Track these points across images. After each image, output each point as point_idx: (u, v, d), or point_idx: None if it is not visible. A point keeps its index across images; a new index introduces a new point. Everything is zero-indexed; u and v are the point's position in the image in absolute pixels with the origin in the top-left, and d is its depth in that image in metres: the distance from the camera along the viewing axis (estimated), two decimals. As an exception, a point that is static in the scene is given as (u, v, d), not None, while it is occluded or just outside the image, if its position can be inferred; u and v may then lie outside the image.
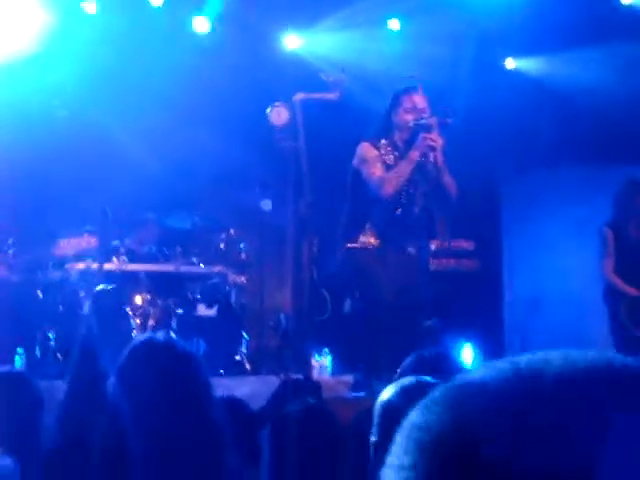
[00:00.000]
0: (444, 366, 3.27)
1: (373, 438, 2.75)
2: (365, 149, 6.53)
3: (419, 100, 6.51)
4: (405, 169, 6.45)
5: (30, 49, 7.44)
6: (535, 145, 8.70)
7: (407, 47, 8.44)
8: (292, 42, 8.65)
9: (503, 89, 8.65)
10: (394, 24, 8.71)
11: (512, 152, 8.71)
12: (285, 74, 8.10)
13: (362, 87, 7.57)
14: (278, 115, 6.51)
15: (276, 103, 6.57)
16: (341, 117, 7.49)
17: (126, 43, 7.90)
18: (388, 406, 2.85)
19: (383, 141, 6.55)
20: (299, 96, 6.48)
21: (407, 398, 2.83)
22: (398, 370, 3.39)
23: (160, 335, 3.04)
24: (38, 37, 7.46)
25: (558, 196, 8.72)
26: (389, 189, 6.42)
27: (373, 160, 6.48)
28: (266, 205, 7.56)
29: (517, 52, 8.96)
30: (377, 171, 6.44)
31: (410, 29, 8.65)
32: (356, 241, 6.49)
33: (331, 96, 6.55)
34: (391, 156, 6.53)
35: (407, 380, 2.97)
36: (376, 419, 2.87)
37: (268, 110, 6.51)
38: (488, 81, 8.68)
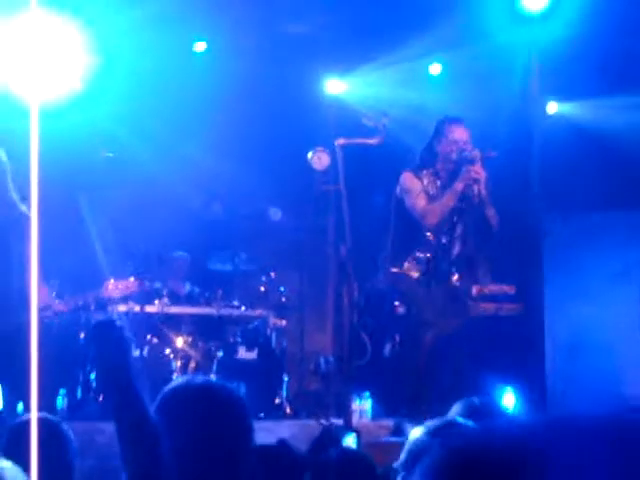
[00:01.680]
0: (492, 414, 3.26)
1: (400, 474, 2.75)
2: (408, 179, 6.59)
3: (462, 132, 6.56)
4: (449, 200, 6.49)
5: (72, 91, 7.54)
6: (580, 189, 8.66)
7: (448, 91, 8.46)
8: (334, 87, 8.70)
9: (549, 132, 8.63)
10: (435, 69, 8.75)
11: (556, 196, 8.68)
12: (326, 118, 8.15)
13: (403, 132, 7.59)
14: (319, 160, 6.55)
15: (318, 148, 6.61)
16: (382, 162, 7.52)
17: (168, 85, 7.98)
18: (416, 444, 2.85)
19: (425, 171, 6.59)
20: (340, 141, 6.52)
21: (435, 437, 2.82)
22: (448, 415, 3.38)
23: (199, 378, 3.02)
24: (81, 79, 7.56)
25: (602, 242, 8.66)
26: (433, 219, 6.46)
27: (416, 190, 6.53)
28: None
29: (561, 96, 8.95)
30: (420, 201, 6.50)
31: (451, 73, 8.68)
32: (401, 267, 6.53)
33: (373, 141, 6.58)
34: (434, 186, 6.57)
35: (438, 421, 2.97)
36: (404, 456, 2.86)
37: (309, 155, 6.55)
38: (531, 125, 8.66)
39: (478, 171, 6.47)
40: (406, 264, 6.55)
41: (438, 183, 6.59)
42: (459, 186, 6.48)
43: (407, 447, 2.92)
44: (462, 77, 8.48)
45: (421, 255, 6.56)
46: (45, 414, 3.91)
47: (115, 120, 7.73)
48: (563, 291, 8.84)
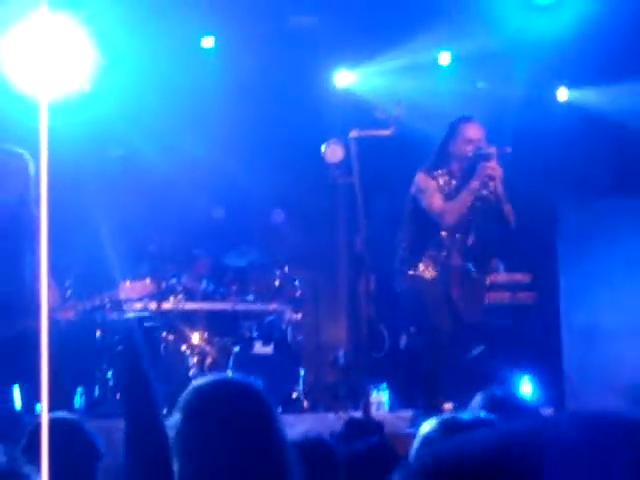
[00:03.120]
0: (513, 405, 3.24)
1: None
2: (423, 179, 6.57)
3: (477, 130, 6.54)
4: (465, 199, 6.48)
5: (80, 88, 7.53)
6: (594, 177, 8.63)
7: (458, 81, 8.43)
8: (344, 78, 8.68)
9: (560, 120, 8.60)
10: (444, 58, 8.72)
11: (570, 184, 8.65)
12: (337, 111, 8.13)
13: (415, 122, 7.57)
14: (333, 152, 6.53)
15: (331, 140, 6.59)
16: (396, 153, 7.50)
17: (174, 80, 7.97)
18: (425, 439, 2.83)
19: (440, 171, 6.58)
20: (354, 133, 6.51)
21: (444, 433, 2.80)
22: (469, 407, 3.37)
23: (236, 376, 3.00)
24: (89, 75, 7.54)
25: (616, 228, 8.62)
26: (450, 219, 6.45)
27: (432, 190, 6.52)
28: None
29: (571, 83, 8.92)
30: (436, 201, 6.48)
31: (461, 62, 8.65)
32: (416, 269, 6.52)
33: (386, 132, 6.56)
34: (449, 186, 6.56)
35: (446, 415, 2.94)
36: (413, 452, 2.84)
37: (323, 147, 6.54)
38: (543, 112, 8.64)
39: (494, 168, 6.45)
40: (421, 265, 6.54)
41: (453, 183, 6.57)
42: (475, 184, 6.46)
43: (416, 442, 2.90)
44: (472, 67, 8.46)
45: (436, 254, 6.54)
46: (64, 414, 3.90)
47: (123, 118, 7.72)
48: (578, 278, 8.81)
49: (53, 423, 3.86)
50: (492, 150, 6.48)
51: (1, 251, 5.92)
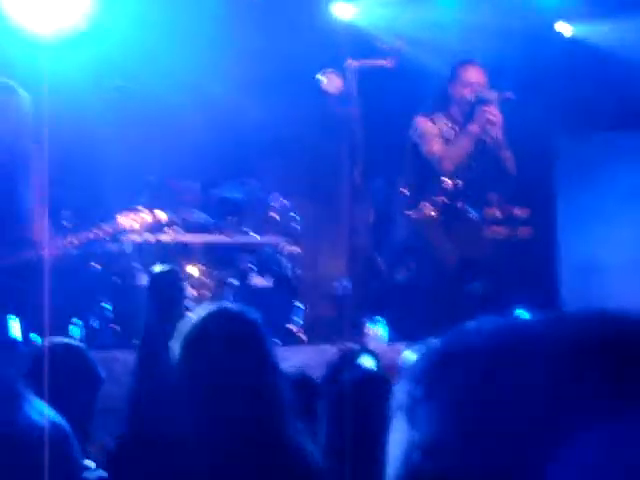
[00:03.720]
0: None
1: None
2: (422, 123, 6.53)
3: (478, 73, 6.49)
4: (465, 144, 6.44)
5: (82, 21, 7.45)
6: (595, 111, 8.58)
7: (461, 13, 8.33)
8: (343, 11, 8.57)
9: (563, 55, 8.54)
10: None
11: (571, 117, 8.60)
12: (337, 42, 8.04)
13: (416, 55, 7.51)
14: (331, 82, 6.48)
15: (328, 70, 6.53)
16: (396, 85, 7.44)
17: (176, 13, 7.89)
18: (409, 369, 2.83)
19: (440, 114, 6.53)
20: (353, 63, 6.45)
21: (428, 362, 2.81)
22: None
23: (232, 305, 3.09)
24: (89, 9, 7.46)
25: (615, 163, 8.60)
26: (449, 165, 6.42)
27: (431, 135, 6.48)
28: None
29: (575, 17, 8.83)
30: (436, 146, 6.45)
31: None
32: (416, 210, 6.51)
33: (386, 63, 6.51)
34: (450, 130, 6.52)
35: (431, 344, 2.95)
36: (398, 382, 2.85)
37: (319, 76, 6.48)
38: (546, 46, 8.56)
39: (494, 113, 6.40)
40: (421, 206, 6.52)
41: (454, 127, 6.53)
42: (475, 128, 6.42)
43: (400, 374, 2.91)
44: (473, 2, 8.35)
45: (437, 199, 6.53)
46: (67, 339, 3.93)
47: (125, 50, 7.65)
48: (577, 212, 8.81)
49: (57, 348, 3.89)
50: (493, 95, 6.42)
51: None
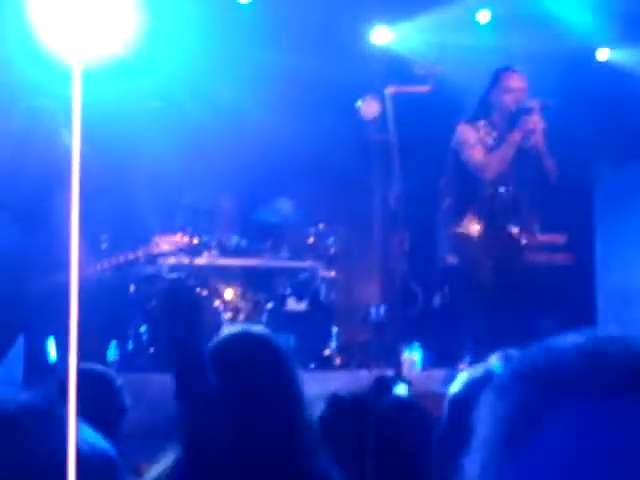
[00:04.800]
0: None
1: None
2: (464, 131, 6.53)
3: (519, 80, 6.50)
4: (506, 152, 6.44)
5: (122, 49, 7.50)
6: (632, 138, 8.53)
7: (497, 40, 8.33)
8: (381, 36, 8.59)
9: (599, 81, 8.50)
10: (484, 16, 8.60)
11: (608, 145, 8.55)
12: (375, 68, 8.06)
13: (453, 80, 7.50)
14: (368, 108, 6.50)
15: (367, 96, 6.55)
16: (433, 111, 7.44)
17: (215, 37, 7.93)
18: (454, 398, 2.79)
19: (481, 122, 6.53)
20: (391, 89, 6.47)
21: (474, 390, 2.77)
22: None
23: (255, 328, 3.06)
24: (131, 36, 7.51)
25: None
26: (490, 173, 6.41)
27: (473, 142, 6.48)
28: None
29: (612, 42, 8.79)
30: (477, 154, 6.45)
31: (500, 21, 8.54)
32: (461, 226, 6.50)
33: (423, 89, 6.52)
34: (491, 137, 6.51)
35: (476, 371, 2.90)
36: (445, 412, 2.81)
37: (359, 103, 6.50)
38: (582, 73, 8.53)
39: (536, 121, 6.40)
40: (465, 221, 6.51)
41: (495, 134, 6.52)
42: (517, 136, 6.42)
43: (446, 402, 2.87)
44: (511, 24, 8.34)
45: (479, 209, 6.52)
46: (93, 365, 3.93)
47: (165, 76, 7.70)
48: (615, 240, 8.74)
49: (82, 373, 3.90)
50: (534, 103, 6.43)
51: (34, 206, 5.94)
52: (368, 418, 3.49)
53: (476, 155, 6.44)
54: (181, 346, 2.92)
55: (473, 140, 6.48)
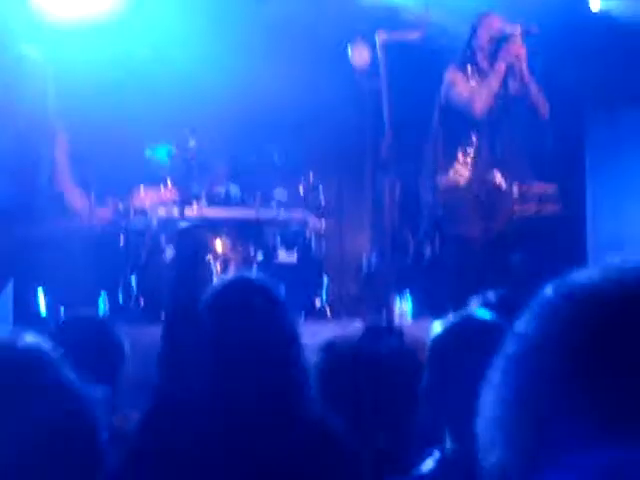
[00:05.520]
0: (510, 307, 3.20)
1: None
2: (452, 73, 6.54)
3: (499, 21, 6.52)
4: (493, 82, 6.45)
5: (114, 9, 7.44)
6: (626, 87, 8.48)
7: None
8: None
9: (589, 28, 8.44)
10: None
11: (601, 94, 8.51)
12: (364, 12, 7.98)
13: (445, 25, 7.45)
14: (359, 54, 6.44)
15: (357, 42, 6.49)
16: (424, 56, 7.40)
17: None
18: (435, 342, 2.79)
19: (469, 66, 6.54)
20: (381, 35, 6.42)
21: (453, 335, 2.76)
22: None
23: (255, 276, 3.07)
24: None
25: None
26: (479, 105, 6.41)
27: (461, 81, 6.48)
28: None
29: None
30: (465, 89, 6.45)
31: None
32: (447, 175, 6.48)
33: (414, 35, 6.49)
34: (479, 78, 6.52)
35: (455, 316, 2.89)
36: (427, 357, 2.81)
37: (349, 49, 6.44)
38: (573, 20, 8.46)
39: (518, 47, 6.41)
40: (451, 171, 6.48)
41: (482, 74, 6.54)
42: (501, 66, 6.44)
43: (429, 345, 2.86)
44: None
45: (466, 158, 6.49)
46: (91, 312, 3.92)
47: (154, 36, 7.66)
48: (606, 190, 8.73)
49: (79, 321, 3.88)
50: (515, 30, 6.44)
51: (19, 156, 5.89)
52: (364, 366, 3.50)
53: (464, 91, 6.45)
54: (182, 286, 2.96)
55: (461, 80, 6.49)
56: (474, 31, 6.61)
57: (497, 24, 6.55)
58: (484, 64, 6.54)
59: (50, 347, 1.59)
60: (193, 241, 3.04)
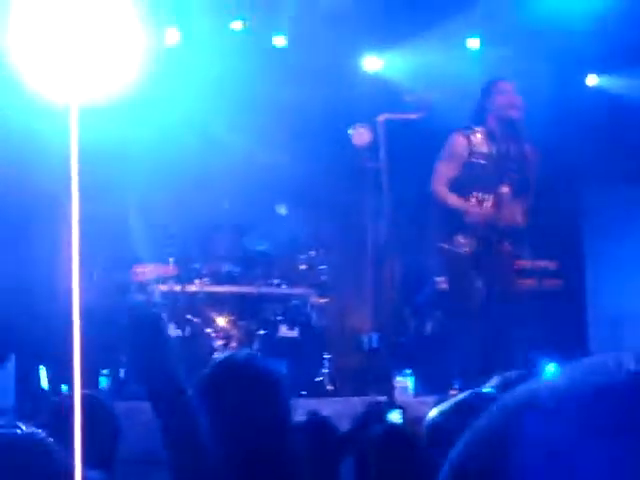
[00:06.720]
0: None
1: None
2: (453, 141, 6.57)
3: (510, 86, 6.58)
4: (458, 207, 6.48)
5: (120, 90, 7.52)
6: (621, 163, 8.57)
7: (487, 66, 8.38)
8: (372, 64, 8.63)
9: (586, 105, 8.55)
10: (473, 43, 8.66)
11: (595, 168, 8.59)
12: (366, 95, 8.09)
13: (444, 106, 7.54)
14: (360, 136, 6.52)
15: (358, 124, 6.57)
16: (425, 137, 7.48)
17: (208, 68, 7.98)
18: (432, 426, 2.79)
19: (476, 128, 6.56)
20: (382, 117, 6.49)
21: (457, 415, 2.77)
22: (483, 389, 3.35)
23: (242, 353, 3.06)
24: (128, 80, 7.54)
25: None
26: (438, 197, 6.44)
27: (454, 157, 6.50)
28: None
29: (600, 69, 8.85)
30: (449, 172, 6.48)
31: (490, 47, 8.60)
32: (451, 242, 6.49)
33: (414, 116, 6.55)
34: (486, 144, 6.53)
35: (460, 397, 2.89)
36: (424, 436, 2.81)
37: (350, 131, 6.52)
38: (570, 97, 8.58)
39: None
40: (457, 237, 6.51)
41: (490, 144, 6.57)
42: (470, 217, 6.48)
43: (425, 429, 2.87)
44: (501, 51, 8.40)
45: (470, 227, 6.53)
46: (85, 390, 3.92)
47: (157, 103, 7.73)
48: (605, 266, 8.76)
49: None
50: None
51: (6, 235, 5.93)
52: (356, 448, 3.49)
53: (443, 172, 6.50)
54: (147, 372, 2.90)
55: (456, 155, 6.53)
56: (488, 91, 6.64)
57: (508, 86, 6.62)
58: (495, 128, 6.57)
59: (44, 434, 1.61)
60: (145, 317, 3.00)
